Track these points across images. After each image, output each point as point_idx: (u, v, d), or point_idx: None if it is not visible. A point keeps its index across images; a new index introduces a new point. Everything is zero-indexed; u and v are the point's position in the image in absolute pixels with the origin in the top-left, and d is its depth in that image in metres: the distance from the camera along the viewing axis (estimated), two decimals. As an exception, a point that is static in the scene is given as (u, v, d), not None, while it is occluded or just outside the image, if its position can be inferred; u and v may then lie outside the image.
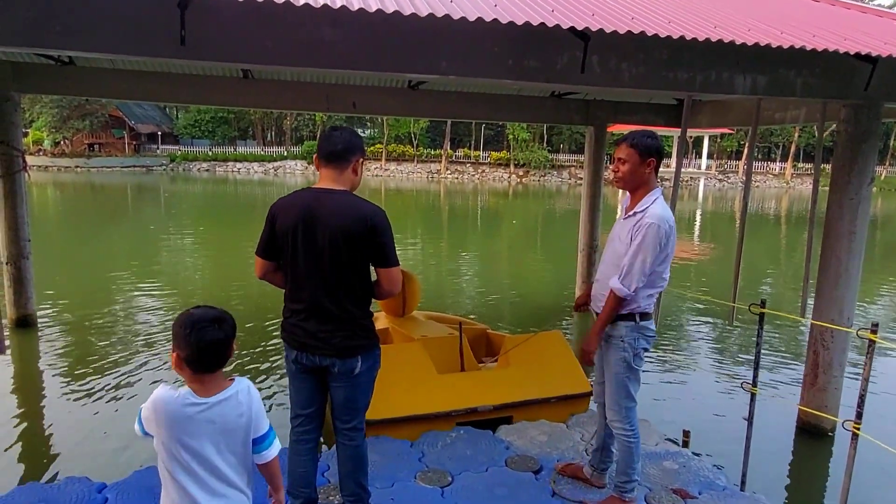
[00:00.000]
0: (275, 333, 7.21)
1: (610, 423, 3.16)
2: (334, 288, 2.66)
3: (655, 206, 2.96)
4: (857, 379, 5.53)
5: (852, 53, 3.78)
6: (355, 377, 2.75)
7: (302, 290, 2.71)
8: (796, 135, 45.44)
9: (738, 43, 3.47)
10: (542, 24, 3.15)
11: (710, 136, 40.35)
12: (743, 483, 3.70)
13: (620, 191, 3.20)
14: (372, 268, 2.74)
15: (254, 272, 2.83)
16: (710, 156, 43.70)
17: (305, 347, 2.74)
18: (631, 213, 3.04)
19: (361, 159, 2.76)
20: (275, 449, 2.01)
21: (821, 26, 4.31)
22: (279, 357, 6.45)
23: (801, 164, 48.00)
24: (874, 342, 2.95)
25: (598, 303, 3.14)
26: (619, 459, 3.20)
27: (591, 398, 3.45)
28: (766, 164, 46.07)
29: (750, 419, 3.66)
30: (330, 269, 2.64)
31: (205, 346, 1.83)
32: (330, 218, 2.60)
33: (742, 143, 47.18)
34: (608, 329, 3.07)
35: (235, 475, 1.93)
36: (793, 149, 46.92)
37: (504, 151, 46.23)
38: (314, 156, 2.78)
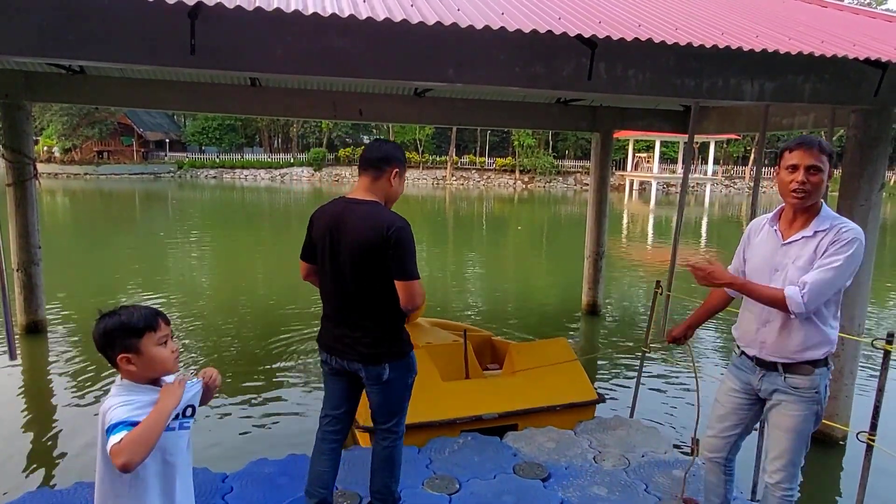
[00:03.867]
0: (279, 340, 7.23)
1: (775, 485, 2.62)
2: (357, 297, 2.74)
3: (847, 220, 2.48)
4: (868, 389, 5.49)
5: (862, 59, 3.78)
6: (385, 383, 2.79)
7: (330, 296, 2.84)
8: (803, 140, 45.19)
9: (745, 49, 3.47)
10: (549, 31, 3.16)
11: (716, 142, 40.24)
12: (753, 492, 3.68)
13: (756, 212, 2.82)
14: None
15: (290, 274, 2.92)
16: (716, 161, 43.55)
17: (333, 351, 2.84)
18: (808, 234, 2.48)
19: (397, 170, 2.81)
20: (110, 441, 1.72)
21: (829, 31, 4.31)
22: (279, 364, 6.47)
23: (808, 170, 47.72)
24: (889, 353, 2.93)
25: (782, 352, 2.54)
26: None
27: (706, 451, 2.90)
28: (772, 170, 45.77)
29: (760, 427, 3.63)
30: (352, 279, 2.72)
31: None
32: (352, 228, 2.69)
33: (748, 148, 47.09)
34: (791, 379, 2.54)
35: (99, 474, 1.88)
36: (800, 154, 46.62)
37: (509, 158, 46.27)
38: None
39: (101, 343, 1.85)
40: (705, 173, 40.74)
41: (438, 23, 3.03)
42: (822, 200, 2.51)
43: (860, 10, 6.06)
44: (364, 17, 2.94)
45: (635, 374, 5.01)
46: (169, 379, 1.95)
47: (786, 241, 2.53)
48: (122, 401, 1.80)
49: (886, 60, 3.76)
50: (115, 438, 1.71)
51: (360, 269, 2.69)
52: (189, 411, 1.95)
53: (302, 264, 2.95)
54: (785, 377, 2.55)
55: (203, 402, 2.03)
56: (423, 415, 4.14)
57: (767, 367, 2.60)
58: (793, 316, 2.42)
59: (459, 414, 4.19)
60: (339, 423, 2.95)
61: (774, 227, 2.60)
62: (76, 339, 7.12)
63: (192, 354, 6.68)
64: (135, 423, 1.75)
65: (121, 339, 1.83)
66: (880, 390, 3.01)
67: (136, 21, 3.06)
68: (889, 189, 39.03)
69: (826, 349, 2.52)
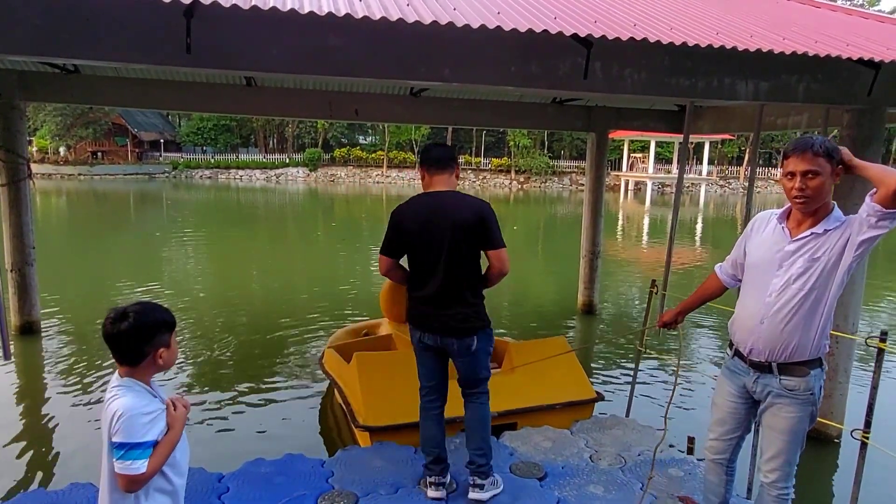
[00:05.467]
0: (274, 339, 7.22)
1: (771, 485, 2.62)
2: (453, 276, 3.12)
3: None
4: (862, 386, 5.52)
5: (855, 59, 3.80)
6: (473, 353, 3.20)
7: (426, 280, 3.17)
8: (797, 141, 45.36)
9: (740, 49, 3.48)
10: (545, 30, 3.17)
11: (710, 142, 40.34)
12: (749, 490, 3.69)
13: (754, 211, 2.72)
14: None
15: (374, 270, 3.16)
16: (710, 162, 43.66)
17: (429, 328, 3.21)
18: (817, 231, 2.45)
19: (458, 165, 3.35)
20: (127, 466, 1.81)
21: (823, 32, 4.33)
22: (275, 363, 6.46)
23: (802, 170, 47.86)
24: (883, 351, 2.94)
25: (776, 352, 2.52)
26: None
27: (708, 453, 2.93)
28: (767, 170, 46.07)
29: (756, 426, 3.64)
30: (450, 259, 3.10)
31: (104, 337, 1.92)
32: (450, 214, 3.09)
33: (742, 148, 47.23)
34: (785, 381, 2.52)
35: (107, 479, 1.90)
36: (794, 155, 46.77)
37: (505, 158, 46.27)
38: (421, 168, 3.28)
39: (144, 335, 1.91)
40: (700, 173, 40.84)
41: (434, 22, 3.03)
42: (833, 202, 2.48)
43: (853, 11, 6.10)
44: (360, 15, 2.94)
45: (631, 373, 5.02)
46: (163, 395, 2.02)
47: (794, 239, 2.51)
48: (137, 405, 1.86)
49: (879, 60, 3.78)
50: (136, 466, 1.81)
51: (459, 249, 3.08)
52: None
53: (383, 260, 3.24)
54: (780, 379, 2.53)
55: None
56: None
57: (762, 368, 2.58)
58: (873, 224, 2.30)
59: (460, 412, 4.17)
60: (436, 392, 3.36)
61: (782, 225, 2.57)
62: (70, 339, 7.09)
63: (187, 354, 6.66)
64: (152, 445, 1.86)
65: (160, 333, 1.94)
66: (874, 388, 3.02)
67: (131, 20, 3.06)
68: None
69: (820, 349, 2.51)
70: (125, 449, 1.81)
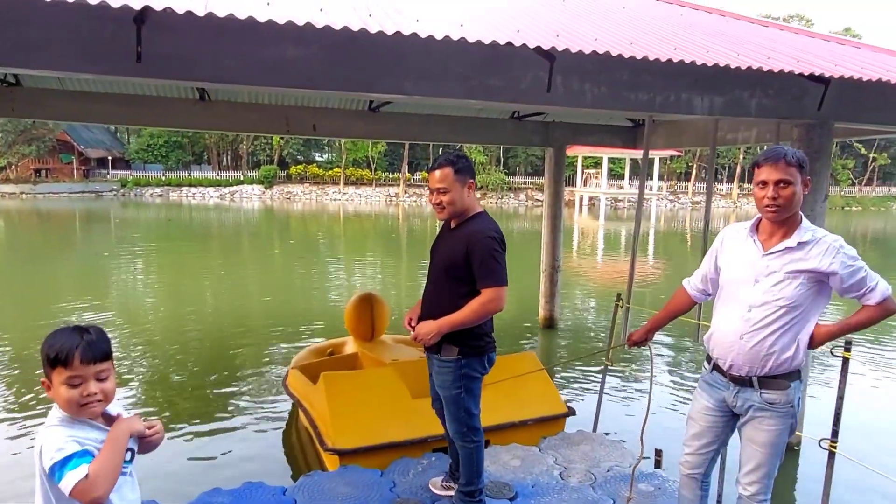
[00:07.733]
0: (230, 364, 6.97)
1: (751, 497, 2.60)
2: None
3: (825, 231, 2.48)
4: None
5: (806, 74, 3.91)
6: None
7: None
8: (741, 156, 47.25)
9: (698, 64, 3.54)
10: (509, 43, 3.15)
11: (660, 158, 41.52)
12: (718, 502, 3.68)
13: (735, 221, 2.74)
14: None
15: (501, 304, 3.03)
16: (660, 177, 44.93)
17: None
18: (791, 244, 2.43)
19: None
20: (69, 481, 1.63)
21: (773, 49, 4.45)
22: (230, 390, 6.23)
23: (746, 185, 49.83)
24: (848, 360, 2.98)
25: (756, 367, 2.49)
26: None
27: (683, 468, 2.83)
28: (713, 185, 47.66)
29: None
30: None
31: None
32: None
33: (690, 164, 48.82)
34: (766, 395, 2.50)
35: None
36: (738, 170, 48.74)
37: (462, 174, 46.54)
38: (473, 183, 3.31)
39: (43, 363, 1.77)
40: (651, 189, 41.91)
41: (398, 32, 2.97)
42: (801, 213, 2.47)
43: (800, 30, 6.32)
44: (321, 25, 2.86)
45: (596, 387, 4.99)
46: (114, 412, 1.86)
47: (767, 252, 2.48)
48: (65, 435, 1.70)
49: (829, 76, 3.90)
50: (77, 473, 1.63)
51: None
52: (128, 455, 1.81)
53: (505, 290, 3.08)
54: (761, 393, 2.51)
55: (142, 450, 1.91)
56: (393, 434, 4.02)
57: (742, 383, 2.55)
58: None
59: (430, 432, 4.04)
60: None
61: (753, 238, 2.55)
62: (11, 367, 6.70)
63: (140, 378, 6.36)
64: (88, 453, 1.68)
65: (42, 363, 1.76)
66: (840, 398, 3.05)
67: (76, 27, 2.90)
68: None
69: (800, 361, 2.50)
70: (57, 468, 1.65)
